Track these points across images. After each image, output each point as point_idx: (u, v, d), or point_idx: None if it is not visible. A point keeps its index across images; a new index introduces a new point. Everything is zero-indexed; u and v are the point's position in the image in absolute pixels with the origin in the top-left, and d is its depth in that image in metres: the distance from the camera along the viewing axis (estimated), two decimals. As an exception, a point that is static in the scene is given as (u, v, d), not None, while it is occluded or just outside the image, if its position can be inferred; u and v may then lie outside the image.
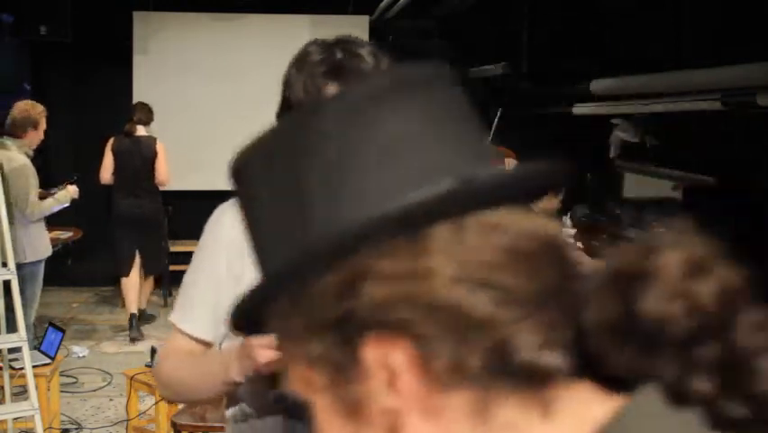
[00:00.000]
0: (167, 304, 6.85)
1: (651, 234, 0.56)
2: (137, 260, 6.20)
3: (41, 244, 4.69)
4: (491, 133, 5.47)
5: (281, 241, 0.56)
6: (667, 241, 0.54)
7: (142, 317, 6.30)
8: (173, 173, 6.97)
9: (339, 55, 1.29)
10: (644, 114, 5.78)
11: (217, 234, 1.40)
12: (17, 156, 4.55)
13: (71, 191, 4.93)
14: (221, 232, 1.39)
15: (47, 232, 4.81)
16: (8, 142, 4.59)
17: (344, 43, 1.32)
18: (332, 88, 1.25)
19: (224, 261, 1.37)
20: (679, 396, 0.52)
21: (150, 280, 6.48)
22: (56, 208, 4.79)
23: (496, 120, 5.53)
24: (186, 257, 7.04)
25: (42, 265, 4.70)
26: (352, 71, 1.26)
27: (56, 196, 4.82)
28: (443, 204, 0.52)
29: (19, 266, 4.45)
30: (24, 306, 4.74)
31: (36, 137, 4.69)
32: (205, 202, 7.76)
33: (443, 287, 0.51)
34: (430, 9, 7.14)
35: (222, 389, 1.34)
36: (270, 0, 7.43)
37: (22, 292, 4.65)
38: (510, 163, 5.76)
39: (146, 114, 6.26)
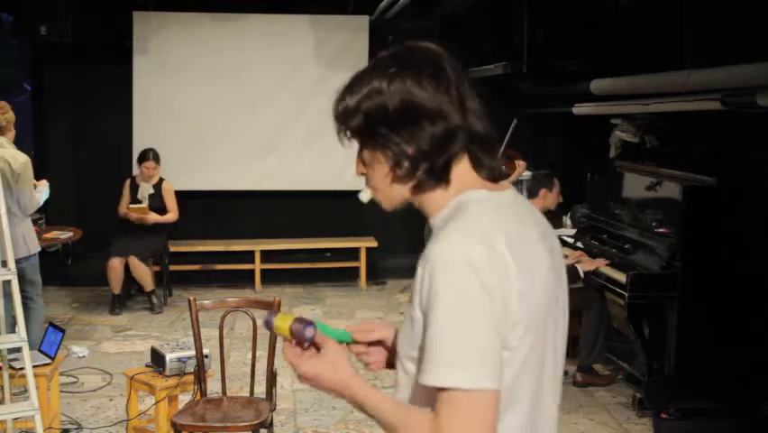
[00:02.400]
0: (167, 303, 6.84)
1: None
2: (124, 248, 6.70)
3: (34, 236, 4.83)
4: (505, 141, 5.49)
5: None
6: None
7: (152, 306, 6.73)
8: (173, 173, 6.98)
9: None
10: (644, 114, 5.78)
11: None
12: (18, 153, 4.61)
13: (47, 185, 4.99)
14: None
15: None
16: (3, 140, 4.60)
17: None
18: None
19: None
20: None
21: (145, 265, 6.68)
22: (41, 202, 4.85)
23: (511, 129, 5.55)
24: (185, 257, 7.03)
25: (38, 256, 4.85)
26: None
27: (39, 190, 4.87)
28: None
29: (23, 259, 4.48)
30: (38, 296, 4.78)
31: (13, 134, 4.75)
32: (204, 202, 7.75)
33: None
34: (430, 9, 7.14)
35: None
36: (270, 0, 7.43)
37: (30, 284, 4.68)
38: (519, 165, 5.75)
39: None
